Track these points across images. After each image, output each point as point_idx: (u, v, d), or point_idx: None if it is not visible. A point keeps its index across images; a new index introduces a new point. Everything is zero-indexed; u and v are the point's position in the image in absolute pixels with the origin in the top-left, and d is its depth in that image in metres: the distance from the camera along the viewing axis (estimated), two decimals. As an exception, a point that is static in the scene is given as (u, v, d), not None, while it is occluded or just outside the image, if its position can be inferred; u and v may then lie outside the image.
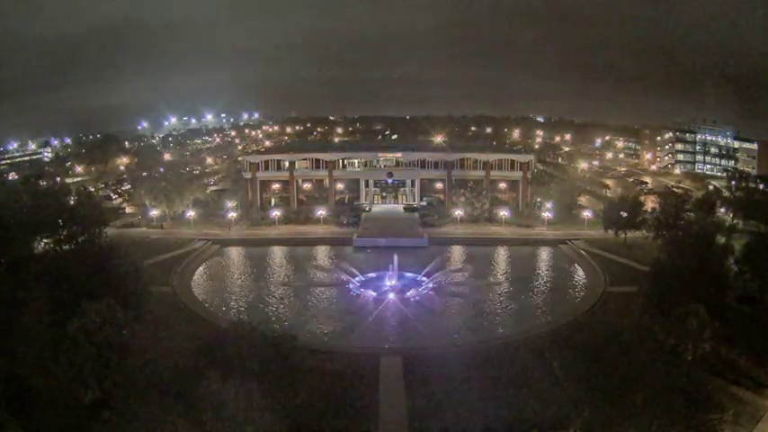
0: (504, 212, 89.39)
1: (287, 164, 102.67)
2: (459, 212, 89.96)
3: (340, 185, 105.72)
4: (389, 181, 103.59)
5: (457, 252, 78.08)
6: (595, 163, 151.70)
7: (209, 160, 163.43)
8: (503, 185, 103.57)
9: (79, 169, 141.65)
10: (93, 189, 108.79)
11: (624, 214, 75.67)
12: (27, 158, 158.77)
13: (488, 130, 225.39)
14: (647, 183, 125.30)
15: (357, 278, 63.34)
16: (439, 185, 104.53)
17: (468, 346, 46.17)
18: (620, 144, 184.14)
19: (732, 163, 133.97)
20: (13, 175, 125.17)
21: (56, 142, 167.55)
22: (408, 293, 58.70)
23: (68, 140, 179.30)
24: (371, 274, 64.09)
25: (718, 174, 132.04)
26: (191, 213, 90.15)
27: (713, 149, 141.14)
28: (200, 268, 69.80)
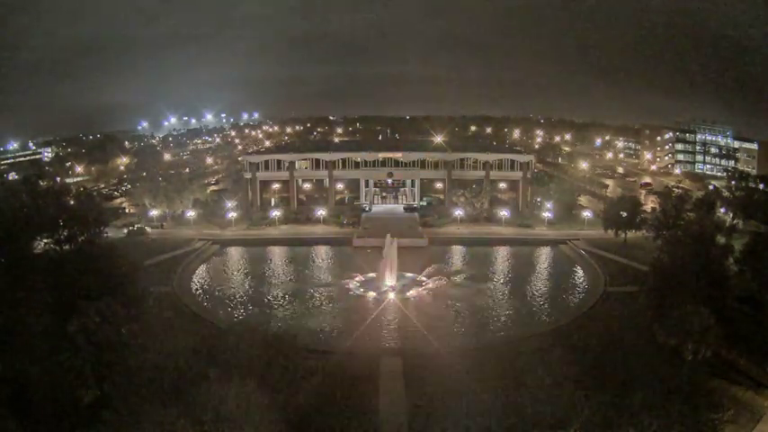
0: (504, 212, 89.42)
1: (287, 164, 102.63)
2: (459, 212, 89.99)
3: (340, 185, 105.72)
4: (389, 181, 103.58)
5: (457, 252, 78.09)
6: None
7: (209, 160, 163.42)
8: (503, 185, 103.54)
9: (79, 169, 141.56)
10: (93, 189, 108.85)
11: (624, 214, 75.70)
12: (27, 158, 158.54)
13: (488, 130, 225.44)
14: (650, 184, 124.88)
15: (357, 278, 63.34)
16: (439, 185, 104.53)
17: (467, 345, 46.18)
18: (620, 144, 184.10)
19: (732, 163, 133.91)
20: (13, 175, 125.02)
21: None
22: (408, 293, 58.70)
23: (64, 144, 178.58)
24: (371, 274, 64.06)
25: (719, 174, 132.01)
26: (191, 213, 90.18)
27: (713, 149, 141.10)
28: (201, 268, 69.83)
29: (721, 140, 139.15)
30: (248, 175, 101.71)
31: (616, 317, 48.22)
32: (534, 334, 46.81)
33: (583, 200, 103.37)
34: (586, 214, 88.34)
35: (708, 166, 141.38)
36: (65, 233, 60.98)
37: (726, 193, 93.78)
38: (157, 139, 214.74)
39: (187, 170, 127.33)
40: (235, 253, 78.39)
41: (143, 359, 31.95)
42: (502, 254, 77.58)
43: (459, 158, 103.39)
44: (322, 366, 39.31)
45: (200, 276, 67.14)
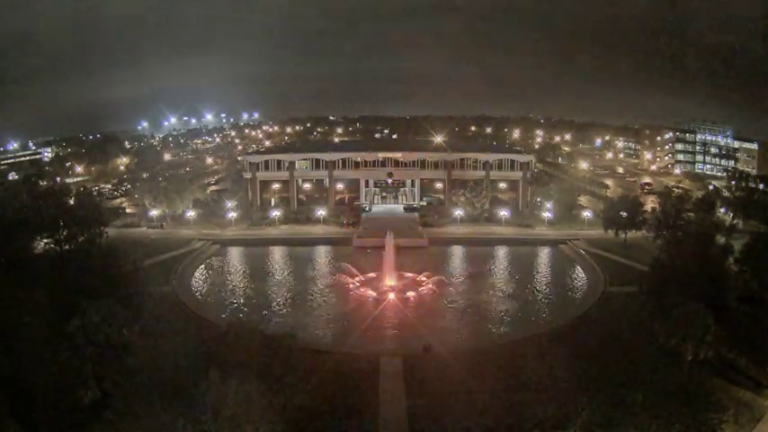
0: (504, 212, 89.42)
1: (287, 164, 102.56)
2: (459, 212, 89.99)
3: (340, 185, 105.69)
4: (389, 181, 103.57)
5: (457, 252, 78.08)
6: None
7: (210, 160, 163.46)
8: (503, 185, 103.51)
9: (79, 169, 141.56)
10: (93, 189, 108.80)
11: (624, 214, 75.70)
12: (27, 158, 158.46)
13: (488, 130, 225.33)
14: (650, 184, 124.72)
15: (357, 278, 63.30)
16: (439, 185, 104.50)
17: (467, 345, 46.17)
18: (620, 144, 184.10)
19: (732, 163, 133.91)
20: (13, 175, 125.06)
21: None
22: (408, 293, 58.69)
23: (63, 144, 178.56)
24: (371, 274, 64.03)
25: (719, 174, 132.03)
26: (191, 213, 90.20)
27: (713, 149, 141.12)
28: (200, 268, 69.82)
29: (721, 140, 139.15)
30: (248, 175, 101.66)
31: (616, 317, 48.31)
32: (534, 334, 46.78)
33: (583, 200, 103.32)
34: (586, 214, 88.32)
35: (708, 166, 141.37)
36: (65, 233, 61.06)
37: (726, 193, 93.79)
38: (157, 139, 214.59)
39: (187, 170, 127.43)
40: (235, 253, 78.37)
41: (143, 359, 31.97)
42: (502, 254, 77.58)
43: (459, 158, 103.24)
44: (322, 366, 39.38)
45: (200, 276, 67.14)
